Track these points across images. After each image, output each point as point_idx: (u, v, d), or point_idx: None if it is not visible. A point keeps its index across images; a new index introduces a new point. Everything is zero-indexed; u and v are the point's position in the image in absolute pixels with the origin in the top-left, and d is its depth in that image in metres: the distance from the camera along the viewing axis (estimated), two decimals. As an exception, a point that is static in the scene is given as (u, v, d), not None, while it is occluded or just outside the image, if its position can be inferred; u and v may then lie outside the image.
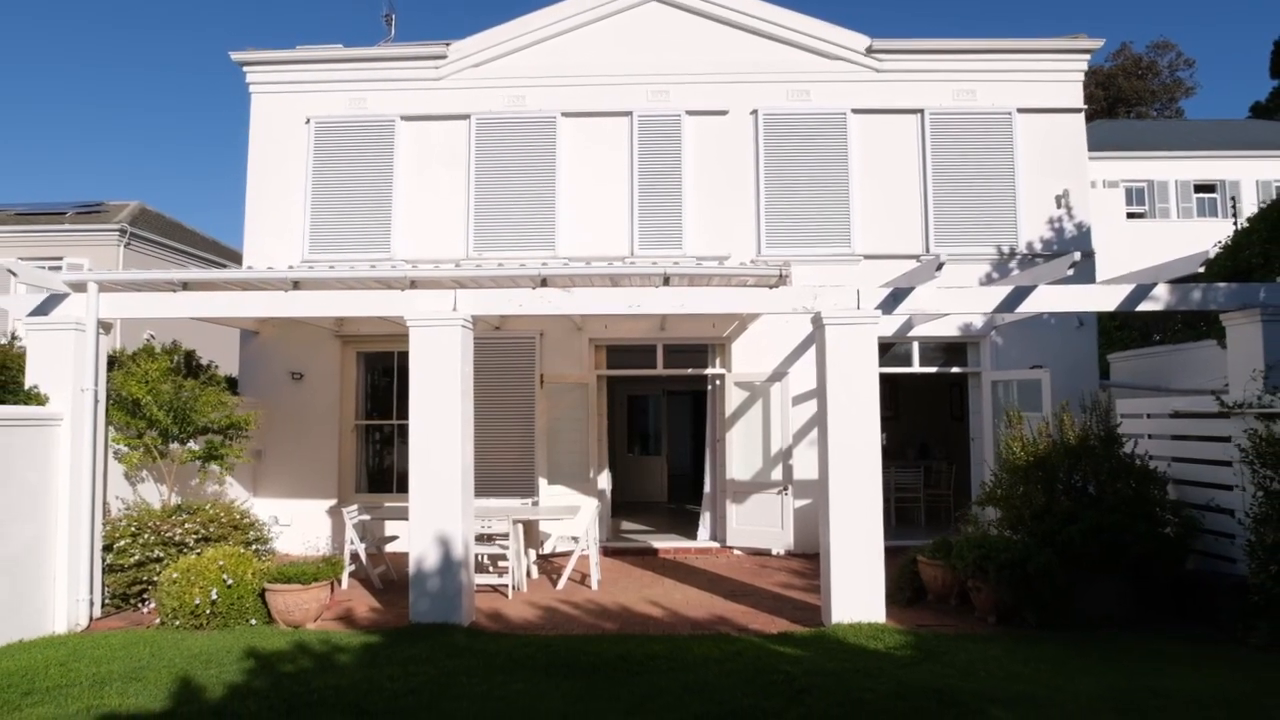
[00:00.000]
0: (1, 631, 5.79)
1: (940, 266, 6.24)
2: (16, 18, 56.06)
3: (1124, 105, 34.74)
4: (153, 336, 11.96)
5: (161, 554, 6.58)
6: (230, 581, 6.04)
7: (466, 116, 9.82)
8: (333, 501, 9.50)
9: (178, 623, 6.01)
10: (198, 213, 46.51)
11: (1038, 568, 6.01)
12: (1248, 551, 5.90)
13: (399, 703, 4.40)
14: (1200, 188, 22.35)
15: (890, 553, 7.28)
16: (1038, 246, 9.48)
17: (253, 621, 6.14)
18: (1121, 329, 11.55)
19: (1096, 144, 22.93)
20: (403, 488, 9.54)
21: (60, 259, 16.03)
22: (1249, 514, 5.96)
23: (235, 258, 20.55)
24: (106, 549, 6.61)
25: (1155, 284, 6.40)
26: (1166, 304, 6.45)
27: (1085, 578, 6.28)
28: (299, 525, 9.21)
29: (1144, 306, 6.41)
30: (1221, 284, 6.51)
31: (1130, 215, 21.64)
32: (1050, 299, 6.44)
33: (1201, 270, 5.96)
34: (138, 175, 63.82)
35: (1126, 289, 6.41)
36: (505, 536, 7.41)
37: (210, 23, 69.29)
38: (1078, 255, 6.42)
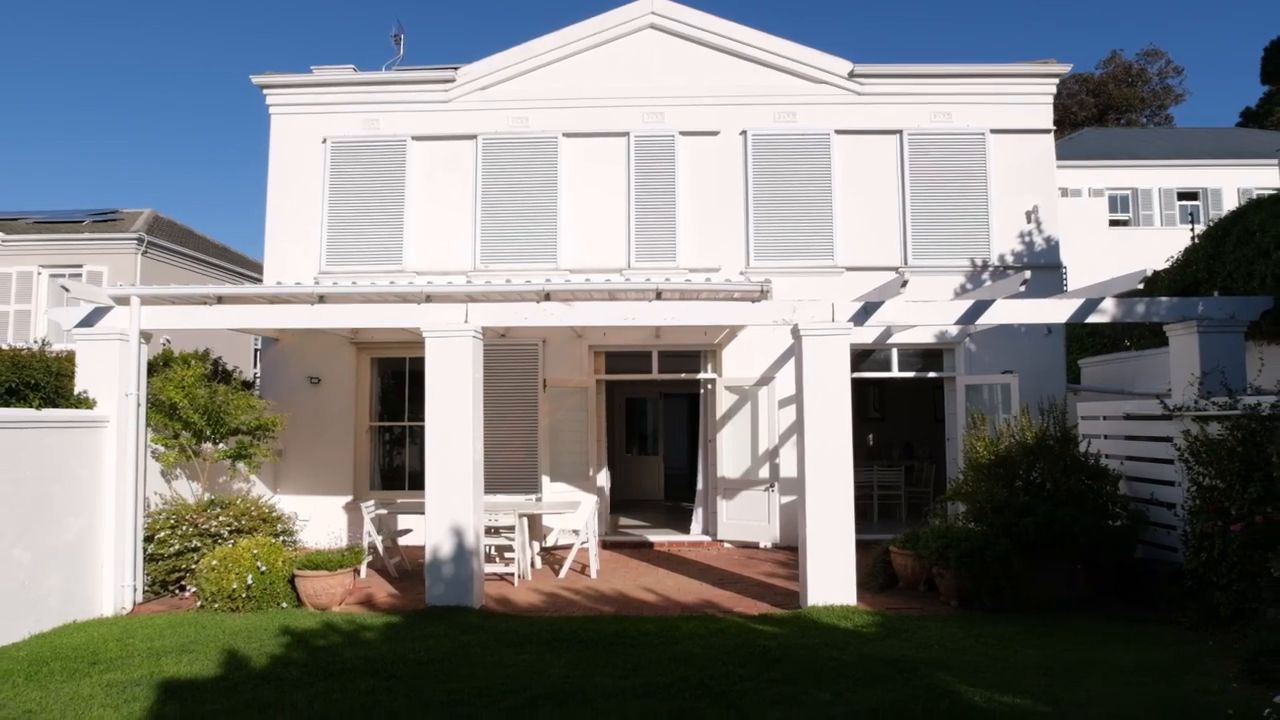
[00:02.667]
0: (59, 613, 6.43)
1: (905, 283, 6.88)
2: (11, 17, 56.67)
3: (1114, 112, 35.39)
4: (168, 342, 12.60)
5: (198, 544, 7.22)
6: (263, 568, 6.68)
7: (473, 136, 10.46)
8: (349, 498, 10.14)
9: (216, 605, 6.64)
10: (199, 214, 47.08)
11: (994, 556, 6.65)
12: (1183, 541, 6.54)
13: (422, 669, 5.04)
14: (1183, 195, 23.01)
15: (871, 545, 8.00)
16: (1009, 259, 10.12)
17: (284, 605, 6.78)
18: (1093, 335, 12.16)
19: (1083, 153, 23.66)
20: (413, 485, 10.24)
21: (80, 266, 16.62)
22: (1184, 507, 6.60)
23: (244, 263, 21.20)
24: (148, 540, 7.24)
25: (1103, 298, 7.04)
26: (1113, 316, 7.09)
27: (1040, 565, 6.91)
28: (317, 520, 9.81)
29: (1093, 319, 7.06)
30: (1164, 298, 7.16)
31: (1114, 223, 22.27)
32: (1007, 312, 7.08)
33: (1141, 287, 6.59)
34: (134, 176, 64.47)
35: (1077, 303, 7.05)
36: (511, 529, 8.04)
37: (209, 26, 69.93)
38: (1028, 274, 7.06)
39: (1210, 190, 22.77)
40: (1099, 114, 34.99)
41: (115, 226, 17.51)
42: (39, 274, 16.79)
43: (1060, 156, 23.18)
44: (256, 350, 19.89)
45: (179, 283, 16.91)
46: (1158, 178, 22.95)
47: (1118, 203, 22.88)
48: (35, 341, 15.06)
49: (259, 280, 20.44)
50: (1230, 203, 22.06)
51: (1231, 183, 22.70)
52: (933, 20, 59.36)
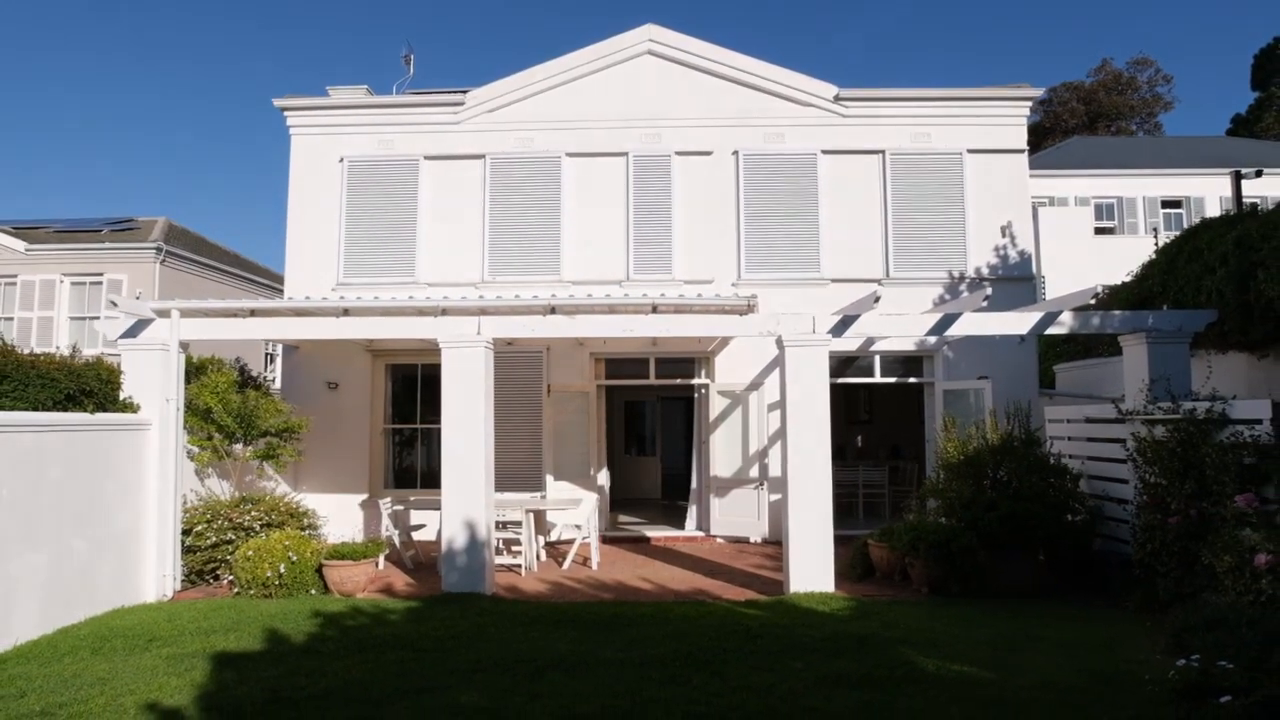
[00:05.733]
0: (109, 598, 7.08)
1: (878, 299, 7.54)
2: None
3: (1105, 119, 36.07)
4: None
5: (232, 537, 7.87)
6: (294, 558, 7.33)
7: (482, 156, 11.12)
8: (364, 496, 10.79)
9: (251, 592, 7.29)
10: (202, 218, 47.73)
11: (960, 547, 7.30)
12: (1133, 534, 7.18)
13: (443, 644, 5.69)
14: (1167, 203, 23.65)
15: (855, 539, 8.68)
16: (985, 271, 10.76)
17: (312, 591, 7.44)
18: (1069, 342, 12.78)
19: (1070, 162, 24.33)
20: (425, 483, 10.90)
21: (100, 275, 17.29)
22: (1134, 502, 7.24)
23: (254, 269, 21.86)
24: (185, 533, 7.89)
25: (1061, 311, 7.70)
26: (1071, 328, 7.74)
27: (1004, 556, 7.55)
28: (335, 517, 10.40)
29: (1052, 330, 7.72)
30: (1117, 311, 7.82)
31: (1099, 230, 22.89)
32: (974, 324, 7.73)
33: (1093, 302, 7.22)
34: (133, 176, 65.13)
35: (1037, 315, 7.71)
36: (519, 524, 8.69)
37: (209, 33, 70.63)
38: (990, 290, 7.77)
39: (1194, 199, 23.41)
40: (1089, 121, 35.68)
41: (133, 236, 18.15)
42: (61, 282, 17.46)
43: (1048, 165, 24.02)
44: (268, 354, 20.61)
45: (194, 290, 17.61)
46: (1142, 186, 23.60)
47: (1103, 211, 23.53)
48: (57, 347, 15.74)
49: (269, 285, 21.16)
50: (1213, 211, 22.68)
51: (1214, 191, 23.32)
52: (925, 26, 60.09)
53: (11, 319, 17.22)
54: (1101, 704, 4.45)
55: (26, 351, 7.80)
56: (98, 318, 17.17)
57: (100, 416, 7.07)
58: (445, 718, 4.34)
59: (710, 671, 5.03)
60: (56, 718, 4.40)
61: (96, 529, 6.93)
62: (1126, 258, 18.70)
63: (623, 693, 4.66)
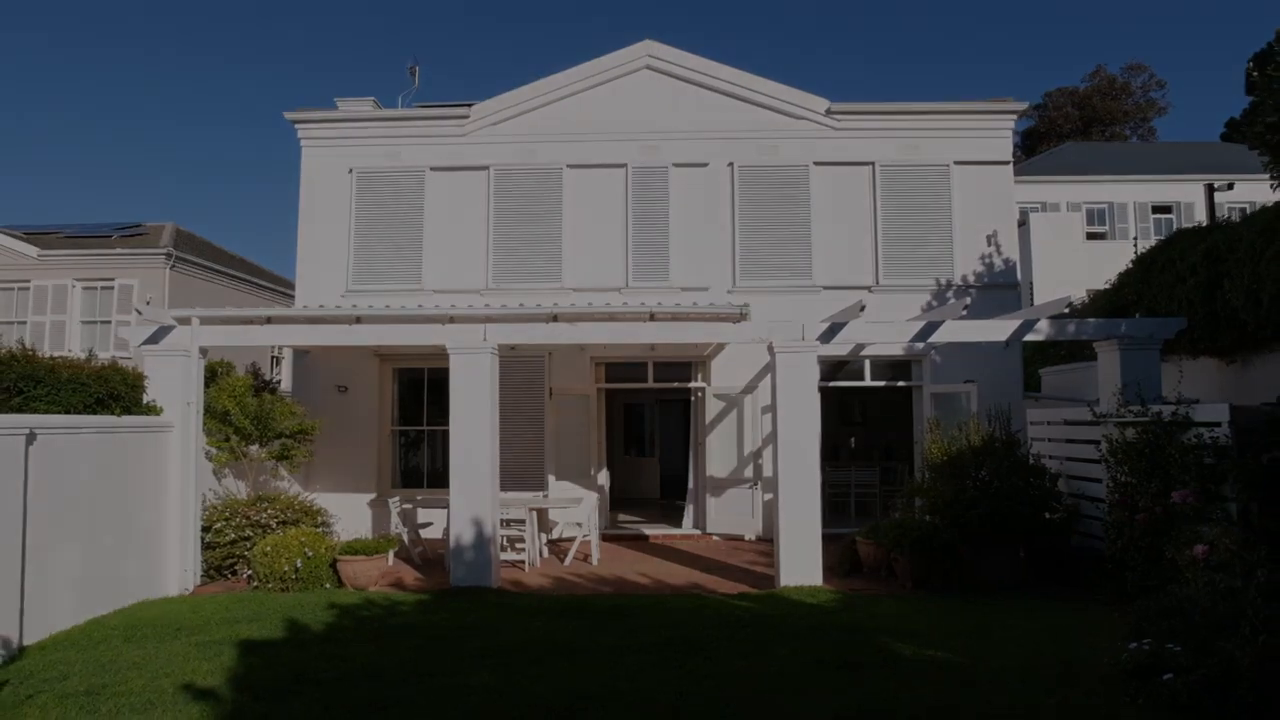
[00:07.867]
0: (135, 592, 7.46)
1: (863, 308, 7.96)
2: None
3: (1099, 125, 36.49)
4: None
5: (250, 534, 8.25)
6: (310, 553, 7.72)
7: (486, 167, 11.52)
8: (373, 495, 11.17)
9: (269, 586, 7.68)
10: (200, 219, 48.05)
11: (941, 543, 7.69)
12: (1105, 530, 7.57)
13: (453, 632, 6.09)
14: (1157, 209, 24.06)
15: (845, 537, 9.03)
16: (971, 279, 11.16)
17: (327, 585, 7.82)
18: (1054, 346, 13.16)
19: (1063, 168, 24.76)
20: (432, 483, 11.29)
21: (112, 280, 17.68)
22: (1106, 500, 7.63)
23: (259, 272, 22.26)
24: (205, 530, 8.27)
25: (1038, 319, 8.09)
26: (1048, 335, 8.14)
27: (985, 552, 7.93)
28: (344, 516, 10.75)
29: (1030, 337, 8.11)
30: (1091, 319, 8.22)
31: (1091, 235, 23.29)
32: (956, 331, 8.12)
33: (1067, 310, 7.61)
34: (130, 176, 65.50)
35: (1016, 323, 8.09)
36: (522, 522, 9.07)
37: (207, 39, 71.06)
38: (969, 299, 8.17)
39: (1183, 204, 23.81)
40: (1083, 126, 36.10)
41: (142, 241, 18.54)
42: (72, 287, 17.86)
43: (1040, 171, 24.46)
44: (274, 357, 20.99)
45: (202, 295, 18.02)
46: (1133, 192, 24.01)
47: (1095, 216, 23.95)
48: (69, 351, 16.13)
49: (275, 290, 21.58)
50: (1202, 217, 23.06)
51: (1203, 197, 23.67)
52: (922, 33, 60.57)
53: (25, 323, 17.62)
54: (1061, 683, 4.85)
55: (45, 356, 8.19)
56: (109, 322, 17.58)
57: (127, 419, 7.46)
58: (458, 695, 4.73)
59: (703, 656, 5.42)
60: (101, 697, 4.79)
61: (123, 525, 7.32)
62: (1117, 262, 19.09)
63: (621, 675, 5.05)
